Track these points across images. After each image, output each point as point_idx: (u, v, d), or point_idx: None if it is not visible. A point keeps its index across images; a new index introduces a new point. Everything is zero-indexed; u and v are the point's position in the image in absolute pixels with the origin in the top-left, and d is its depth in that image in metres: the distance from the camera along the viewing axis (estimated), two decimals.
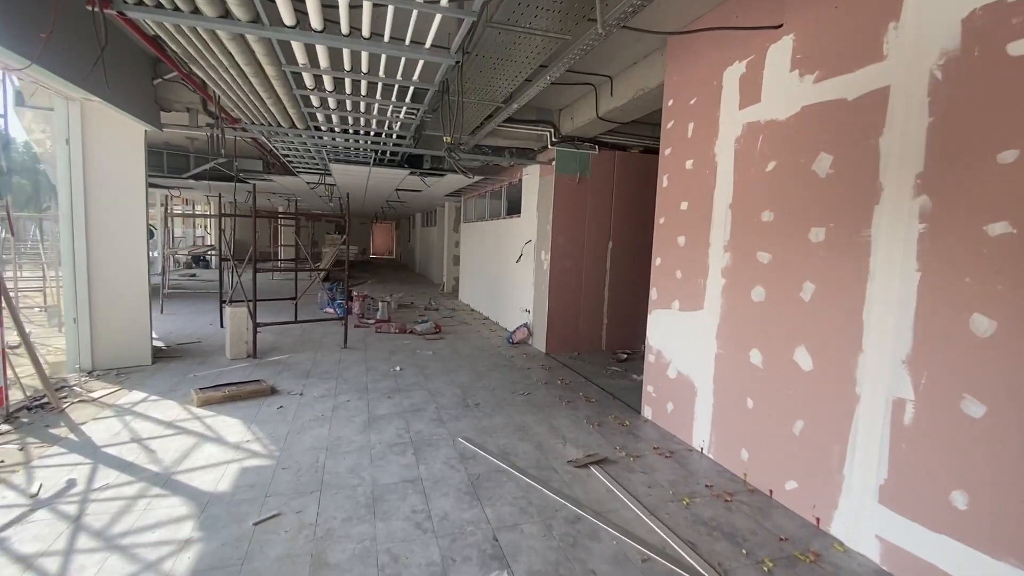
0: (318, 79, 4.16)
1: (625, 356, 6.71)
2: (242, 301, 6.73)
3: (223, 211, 8.04)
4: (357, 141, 6.18)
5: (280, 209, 18.38)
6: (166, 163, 9.83)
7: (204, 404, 4.36)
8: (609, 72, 5.16)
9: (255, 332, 6.03)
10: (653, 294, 4.41)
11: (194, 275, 15.60)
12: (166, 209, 10.34)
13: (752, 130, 3.36)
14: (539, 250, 7.16)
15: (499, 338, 7.75)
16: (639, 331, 7.31)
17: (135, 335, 5.45)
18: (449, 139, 4.51)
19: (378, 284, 15.15)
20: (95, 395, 4.54)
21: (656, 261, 4.39)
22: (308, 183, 10.41)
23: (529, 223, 7.60)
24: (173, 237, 15.45)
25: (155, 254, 13.00)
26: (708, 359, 3.72)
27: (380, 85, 4.19)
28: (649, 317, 4.46)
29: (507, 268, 8.49)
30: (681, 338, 4.03)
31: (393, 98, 4.42)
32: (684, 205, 4.03)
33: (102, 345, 5.29)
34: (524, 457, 3.59)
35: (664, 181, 4.30)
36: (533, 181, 7.46)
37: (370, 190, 11.26)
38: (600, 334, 7.16)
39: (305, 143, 6.24)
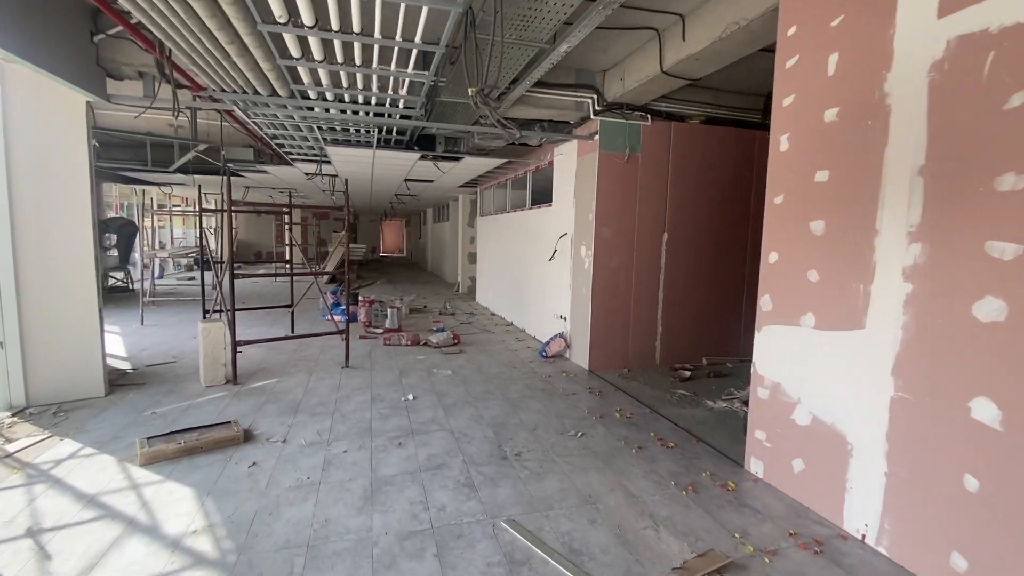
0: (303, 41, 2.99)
1: (688, 374, 5.46)
2: (222, 312, 5.63)
3: (203, 207, 6.91)
4: (356, 113, 5.01)
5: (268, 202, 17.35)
6: (150, 155, 8.76)
7: (150, 462, 3.22)
8: (680, 9, 3.90)
9: (234, 352, 4.90)
10: (765, 303, 3.17)
11: (193, 279, 14.60)
12: (141, 205, 9.27)
13: (969, 47, 2.10)
14: (577, 245, 5.94)
15: (529, 350, 6.56)
16: (703, 341, 6.05)
17: (83, 360, 4.34)
18: (474, 90, 3.29)
19: (388, 285, 14.03)
20: (12, 447, 3.43)
21: (770, 257, 3.14)
22: (306, 174, 9.27)
23: (563, 213, 6.37)
24: (156, 237, 14.43)
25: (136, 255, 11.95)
26: (876, 404, 2.48)
27: (378, 18, 2.99)
28: (757, 335, 3.22)
29: (536, 267, 7.28)
30: (819, 369, 2.79)
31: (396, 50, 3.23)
32: (822, 175, 2.78)
33: (39, 375, 4.19)
34: (603, 559, 2.38)
35: (783, 143, 3.05)
36: (568, 162, 6.23)
37: (377, 181, 10.10)
38: (653, 346, 5.92)
39: (293, 117, 5.07)
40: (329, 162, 7.75)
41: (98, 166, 9.03)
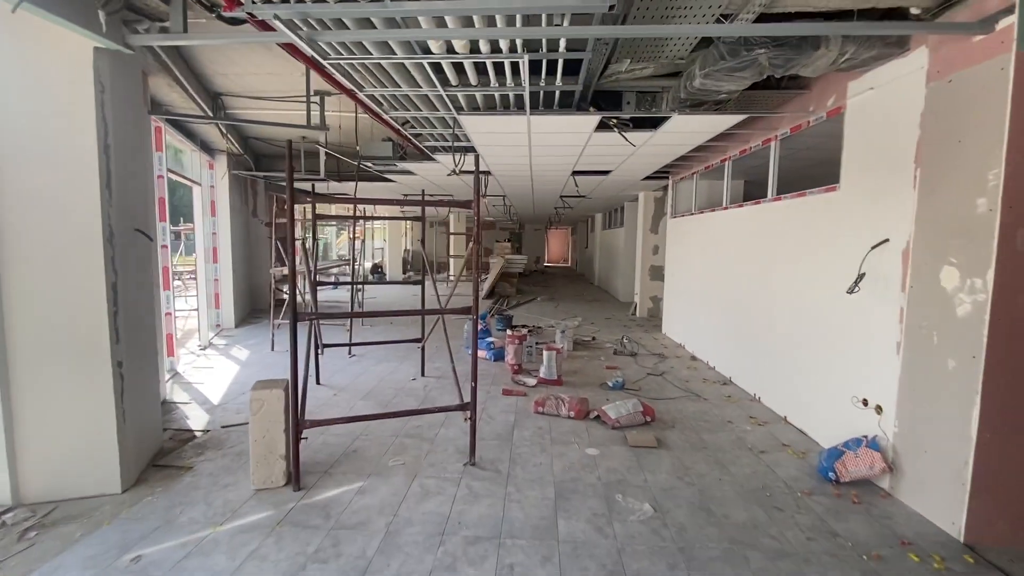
0: None
1: None
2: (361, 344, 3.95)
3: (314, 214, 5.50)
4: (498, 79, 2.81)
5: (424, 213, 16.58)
6: (304, 164, 8.07)
7: None
8: None
9: (295, 442, 3.04)
10: None
11: (361, 291, 14.49)
12: (304, 214, 8.63)
13: None
14: (929, 264, 2.83)
15: (788, 456, 3.59)
16: None
17: (90, 438, 2.89)
18: None
19: (549, 303, 11.93)
20: None
21: None
22: (454, 171, 7.60)
23: (873, 202, 3.29)
24: (320, 250, 14.40)
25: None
26: None
27: None
28: None
29: (797, 299, 4.24)
30: None
31: None
32: None
33: (30, 459, 2.84)
34: None
35: None
36: (892, 100, 3.15)
37: (538, 177, 7.98)
38: None
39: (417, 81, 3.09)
40: (473, 149, 5.83)
41: (266, 177, 8.81)
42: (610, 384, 5.14)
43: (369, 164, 6.83)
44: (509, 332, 5.75)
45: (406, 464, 3.39)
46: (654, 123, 4.59)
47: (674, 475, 3.29)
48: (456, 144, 5.49)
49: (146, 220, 3.40)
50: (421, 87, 3.70)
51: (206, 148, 7.63)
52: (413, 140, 5.63)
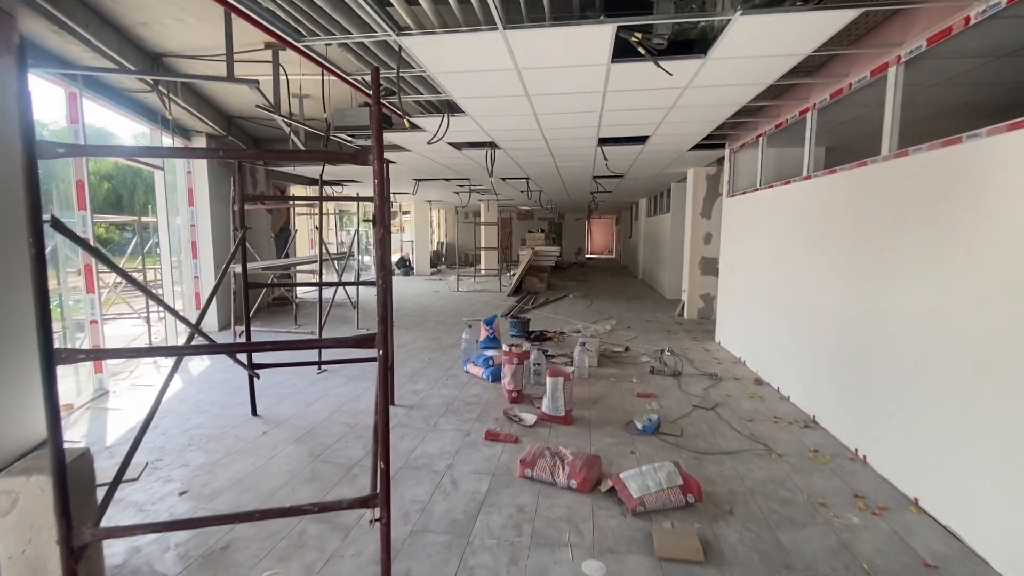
0: None
1: None
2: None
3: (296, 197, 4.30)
4: None
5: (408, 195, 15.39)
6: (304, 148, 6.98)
7: None
8: None
9: (70, 565, 1.80)
10: None
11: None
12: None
13: None
14: None
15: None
16: None
17: None
18: None
19: (581, 300, 10.42)
20: None
21: None
22: (456, 147, 6.24)
23: None
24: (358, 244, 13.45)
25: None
26: None
27: None
28: None
29: (937, 308, 2.61)
30: None
31: None
32: None
33: None
34: None
35: None
36: None
37: (555, 143, 6.53)
38: None
39: None
40: (460, 110, 4.45)
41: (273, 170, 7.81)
42: (639, 426, 3.66)
43: (344, 136, 5.61)
44: (506, 348, 4.35)
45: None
46: (703, 46, 3.04)
47: None
48: (433, 100, 4.14)
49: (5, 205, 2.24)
50: None
51: (181, 131, 6.69)
52: (387, 104, 4.35)
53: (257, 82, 4.04)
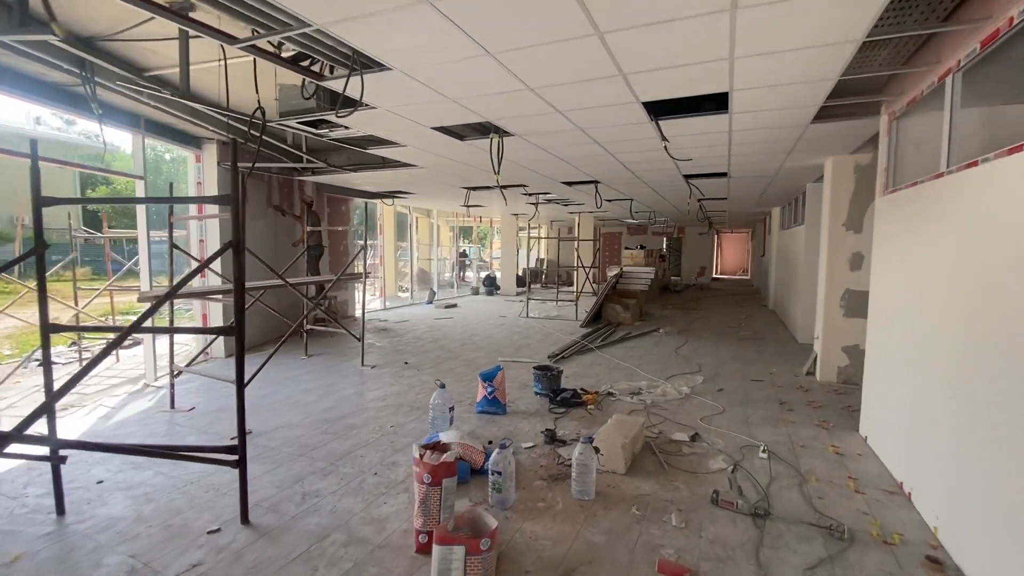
0: None
1: None
2: None
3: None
4: None
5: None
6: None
7: None
8: None
9: None
10: None
11: (455, 307, 12.39)
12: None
13: None
14: None
15: None
16: None
17: None
18: None
19: (673, 336, 7.96)
20: None
21: None
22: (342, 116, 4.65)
23: None
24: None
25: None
26: None
27: None
28: None
29: None
30: None
31: None
32: None
33: None
34: None
35: None
36: None
37: (578, 117, 4.58)
38: None
39: None
40: (369, 66, 2.85)
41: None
42: None
43: (291, 124, 4.35)
44: (416, 451, 2.55)
45: None
46: None
47: None
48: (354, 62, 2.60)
49: None
50: None
51: (189, 138, 6.16)
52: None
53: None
